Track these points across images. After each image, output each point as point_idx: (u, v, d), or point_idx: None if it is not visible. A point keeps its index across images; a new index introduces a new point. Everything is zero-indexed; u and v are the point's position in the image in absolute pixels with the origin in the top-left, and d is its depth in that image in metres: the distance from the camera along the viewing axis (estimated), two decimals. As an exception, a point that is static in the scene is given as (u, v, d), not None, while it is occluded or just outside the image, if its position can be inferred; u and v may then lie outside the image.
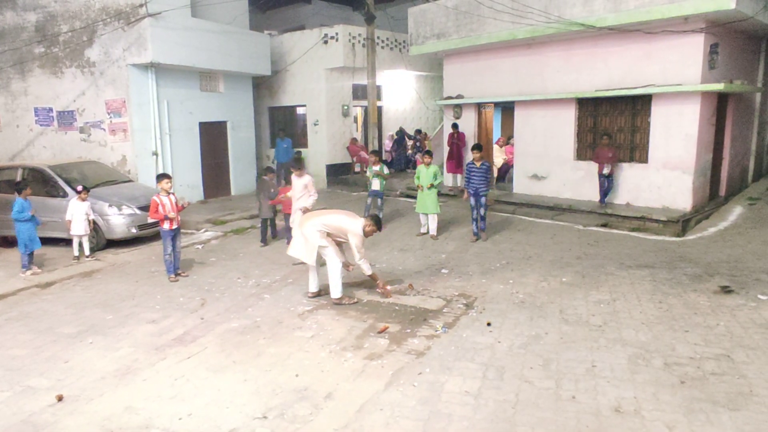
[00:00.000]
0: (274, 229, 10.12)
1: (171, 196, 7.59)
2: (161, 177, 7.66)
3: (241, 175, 15.33)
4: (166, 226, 7.49)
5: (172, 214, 7.48)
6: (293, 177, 8.68)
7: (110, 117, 12.44)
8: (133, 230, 9.62)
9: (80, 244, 9.01)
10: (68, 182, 9.74)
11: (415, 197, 13.06)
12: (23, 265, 8.12)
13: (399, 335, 5.46)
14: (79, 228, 8.80)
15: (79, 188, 8.88)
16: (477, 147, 9.46)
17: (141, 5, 11.62)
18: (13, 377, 4.80)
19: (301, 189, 8.60)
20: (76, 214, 8.74)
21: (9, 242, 9.77)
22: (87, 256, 9.01)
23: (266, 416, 4.03)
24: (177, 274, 7.77)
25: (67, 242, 9.40)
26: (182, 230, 10.88)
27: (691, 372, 4.50)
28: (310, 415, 4.04)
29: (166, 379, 4.68)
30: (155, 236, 9.74)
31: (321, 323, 5.85)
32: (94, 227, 9.30)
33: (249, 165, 15.71)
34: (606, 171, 10.63)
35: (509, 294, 6.64)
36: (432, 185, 9.52)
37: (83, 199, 8.80)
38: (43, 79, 12.80)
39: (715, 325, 5.45)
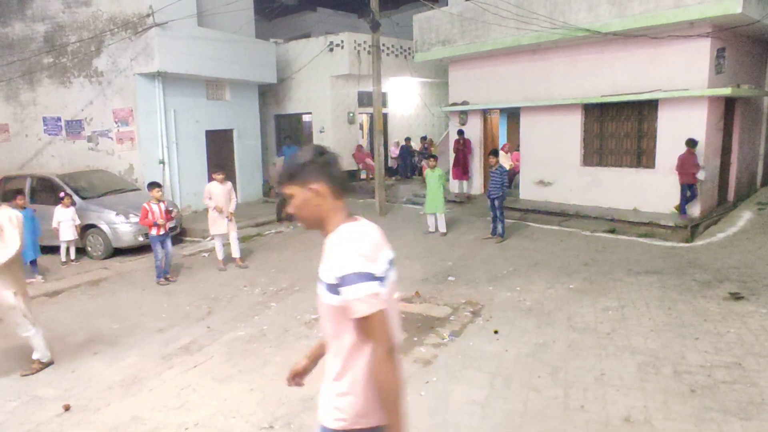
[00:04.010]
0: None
1: (161, 204, 7.95)
2: (152, 186, 8.04)
3: (248, 183, 15.38)
4: (154, 232, 7.88)
5: (160, 221, 7.84)
6: (216, 183, 8.56)
7: (118, 126, 12.52)
8: (140, 238, 9.66)
9: (67, 250, 9.28)
10: (76, 191, 9.81)
11: (420, 204, 13.14)
12: None
13: (405, 343, 5.43)
14: (67, 234, 9.04)
15: (61, 195, 9.10)
16: (492, 152, 10.00)
17: (148, 15, 11.72)
18: (20, 387, 4.81)
19: (226, 194, 8.62)
20: (63, 221, 8.90)
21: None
22: (72, 260, 9.31)
23: (273, 426, 4.01)
24: (166, 278, 8.04)
25: (77, 250, 9.47)
26: (188, 238, 11.02)
27: (702, 380, 4.44)
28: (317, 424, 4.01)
29: (173, 388, 4.67)
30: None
31: (327, 331, 5.83)
32: (101, 235, 9.40)
33: (255, 173, 15.75)
34: (702, 176, 9.78)
35: (516, 301, 6.60)
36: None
37: (67, 206, 8.99)
38: (52, 89, 12.92)
39: (725, 333, 5.39)
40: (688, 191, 9.91)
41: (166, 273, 8.09)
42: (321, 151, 2.02)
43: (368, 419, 1.99)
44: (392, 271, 2.06)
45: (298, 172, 1.99)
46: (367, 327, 1.85)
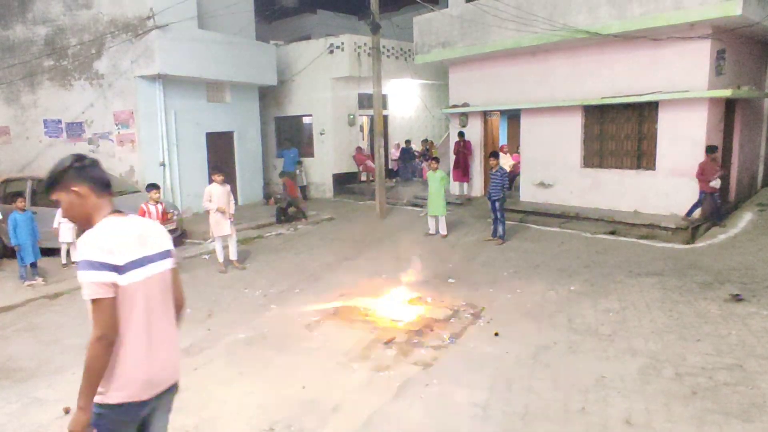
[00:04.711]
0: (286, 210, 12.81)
1: (158, 205, 8.04)
2: (150, 187, 8.17)
3: (248, 185, 15.37)
4: None
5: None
6: (216, 185, 8.59)
7: (118, 128, 12.53)
8: (141, 241, 9.68)
9: (68, 252, 9.26)
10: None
11: (420, 206, 13.15)
12: (21, 276, 8.20)
13: (406, 346, 5.43)
14: (66, 235, 9.04)
15: None
16: (492, 154, 10.06)
17: (148, 17, 11.73)
18: (20, 389, 4.80)
19: (226, 196, 8.64)
20: (63, 222, 8.93)
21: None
22: (73, 262, 9.26)
23: (273, 429, 4.01)
24: None
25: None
26: (189, 240, 11.02)
27: (703, 382, 4.43)
28: (317, 427, 4.01)
29: (173, 391, 4.66)
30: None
31: (328, 334, 5.83)
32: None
33: (256, 175, 15.76)
34: (716, 184, 9.55)
35: (517, 303, 6.59)
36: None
37: None
38: (53, 92, 12.93)
39: (726, 334, 5.38)
40: (709, 197, 9.71)
41: None
42: (79, 157, 2.27)
43: (120, 393, 2.23)
44: (154, 263, 2.30)
45: (59, 178, 2.23)
46: (91, 310, 2.12)
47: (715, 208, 9.94)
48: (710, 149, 9.58)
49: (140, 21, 11.87)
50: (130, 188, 11.30)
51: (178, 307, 2.53)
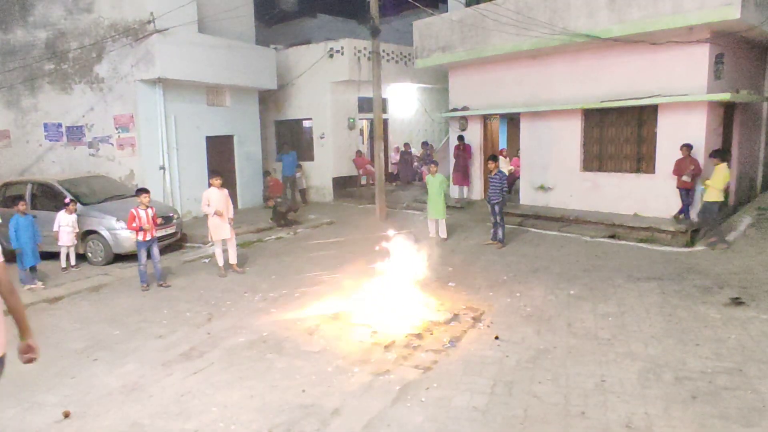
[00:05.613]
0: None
1: (149, 209, 8.03)
2: (140, 191, 8.14)
3: (248, 189, 15.38)
4: (140, 237, 7.94)
5: (146, 226, 7.94)
6: (215, 189, 8.61)
7: (118, 132, 12.54)
8: (141, 244, 9.66)
9: (67, 256, 9.31)
10: (77, 197, 9.81)
11: (420, 210, 13.15)
12: (20, 280, 8.18)
13: (406, 349, 5.42)
14: (66, 239, 9.07)
15: (67, 200, 9.11)
16: (491, 157, 9.99)
17: (149, 22, 11.76)
18: (20, 393, 4.79)
19: (225, 200, 8.64)
20: (64, 226, 8.96)
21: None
22: (73, 266, 9.35)
23: (272, 433, 4.01)
24: (159, 285, 8.14)
25: (77, 256, 9.48)
26: (189, 244, 11.03)
27: (703, 387, 4.43)
28: (317, 431, 4.01)
29: (173, 395, 4.67)
30: (163, 250, 9.78)
31: (328, 338, 5.83)
32: (102, 241, 9.42)
33: (255, 178, 15.76)
34: (686, 178, 9.75)
35: (517, 307, 6.59)
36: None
37: (71, 212, 9.02)
38: (53, 95, 12.95)
39: (726, 339, 5.38)
40: (686, 195, 9.93)
41: (158, 279, 8.18)
42: None
43: None
44: None
45: None
46: None
47: (684, 203, 10.08)
48: (686, 146, 9.76)
49: (141, 25, 11.90)
50: (129, 192, 11.29)
51: (6, 292, 2.96)
